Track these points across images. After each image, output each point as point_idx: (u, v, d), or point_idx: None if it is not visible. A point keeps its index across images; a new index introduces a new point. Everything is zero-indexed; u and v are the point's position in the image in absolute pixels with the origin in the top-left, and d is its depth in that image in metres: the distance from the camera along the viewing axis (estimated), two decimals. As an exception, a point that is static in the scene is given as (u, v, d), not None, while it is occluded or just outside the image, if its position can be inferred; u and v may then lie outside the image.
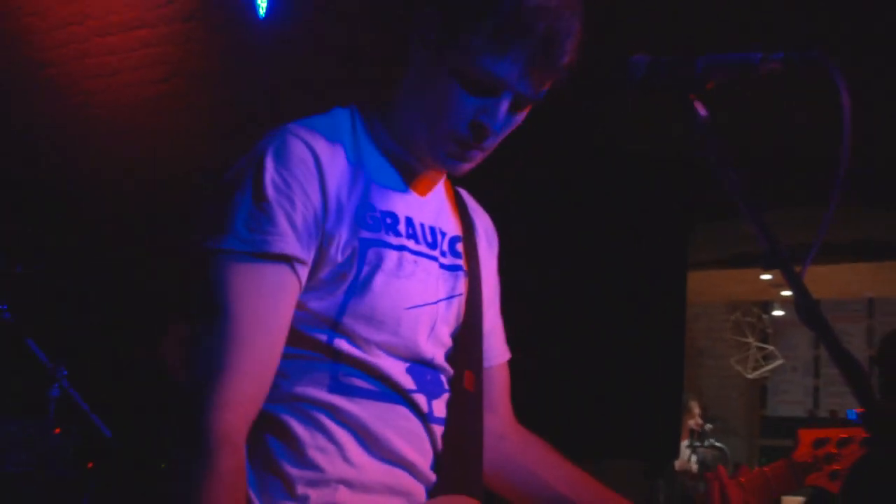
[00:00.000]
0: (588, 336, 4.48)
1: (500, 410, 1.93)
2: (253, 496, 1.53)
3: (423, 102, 1.62)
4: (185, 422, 1.45)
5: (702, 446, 8.67)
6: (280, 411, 1.56)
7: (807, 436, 1.88)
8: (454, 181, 1.87)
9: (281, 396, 1.57)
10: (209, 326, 1.49)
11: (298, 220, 1.52)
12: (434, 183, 1.78)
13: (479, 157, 1.66)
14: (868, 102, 4.23)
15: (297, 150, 1.56)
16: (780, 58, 1.42)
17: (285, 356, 1.55)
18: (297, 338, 1.57)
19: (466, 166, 1.67)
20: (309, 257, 1.54)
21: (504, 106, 1.57)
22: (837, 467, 1.86)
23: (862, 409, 1.80)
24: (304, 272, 1.54)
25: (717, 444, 8.84)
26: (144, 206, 6.16)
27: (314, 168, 1.55)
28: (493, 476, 1.86)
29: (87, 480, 4.21)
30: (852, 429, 1.88)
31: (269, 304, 1.50)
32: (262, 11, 4.72)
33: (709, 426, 9.24)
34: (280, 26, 4.93)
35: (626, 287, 4.59)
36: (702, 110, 1.47)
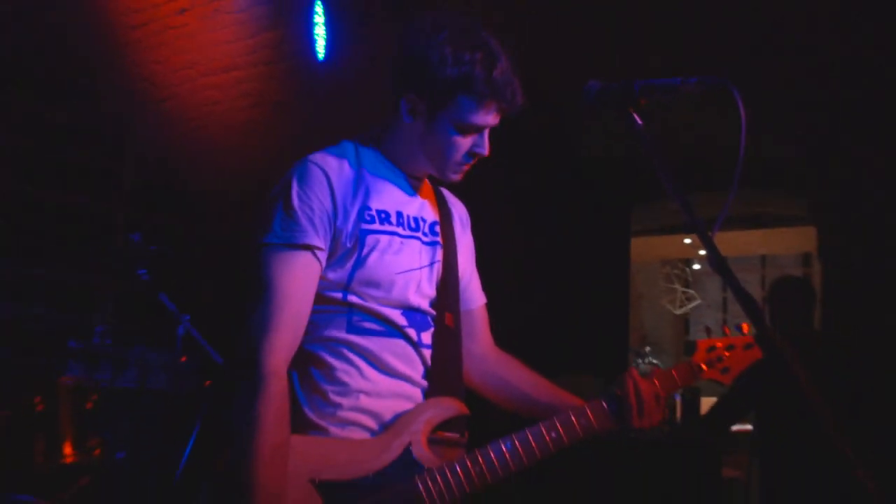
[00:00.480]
0: (558, 285, 4.50)
1: (482, 339, 1.96)
2: (306, 409, 1.64)
3: (428, 148, 1.71)
4: (245, 362, 1.55)
5: (643, 363, 8.68)
6: (317, 349, 1.67)
7: (702, 344, 1.89)
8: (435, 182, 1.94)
9: (316, 339, 1.67)
10: (258, 296, 1.60)
11: (316, 220, 1.63)
12: (417, 186, 1.83)
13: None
14: (757, 115, 4.21)
15: (315, 172, 1.66)
16: (695, 81, 1.42)
17: (316, 311, 1.65)
18: (323, 299, 1.66)
19: (462, 177, 1.77)
20: (325, 245, 1.64)
21: (486, 137, 1.71)
22: (726, 365, 1.87)
23: (743, 326, 1.88)
24: (322, 256, 1.64)
25: (654, 360, 8.85)
26: (239, 203, 6.17)
27: (326, 184, 1.65)
28: (479, 385, 1.92)
29: (205, 394, 4.25)
30: (734, 338, 1.89)
31: (297, 280, 1.61)
32: (320, 56, 4.71)
33: (647, 348, 9.25)
34: (334, 68, 4.92)
35: (586, 250, 4.60)
36: (638, 120, 1.48)
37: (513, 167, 4.63)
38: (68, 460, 3.22)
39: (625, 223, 4.76)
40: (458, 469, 1.62)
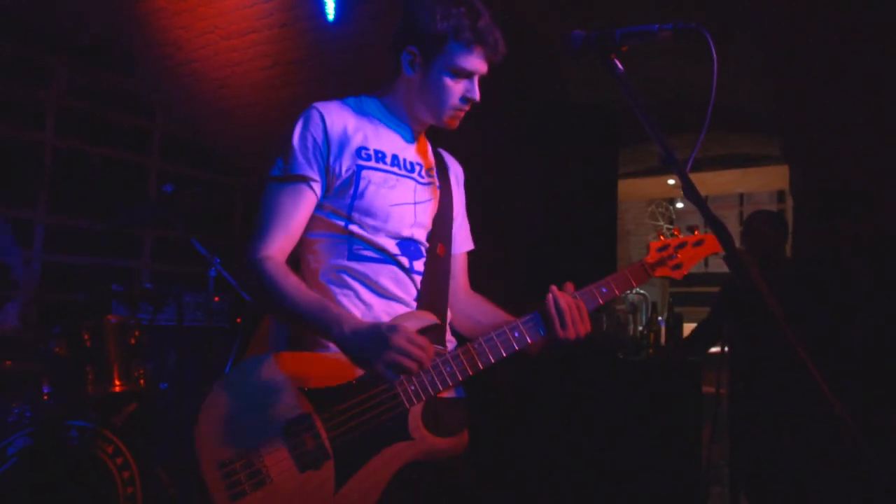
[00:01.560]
0: (552, 222, 4.49)
1: (460, 280, 2.00)
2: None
3: (426, 95, 1.77)
4: (247, 259, 1.69)
5: (631, 293, 8.69)
6: (323, 279, 1.75)
7: (654, 245, 1.88)
8: (434, 143, 1.99)
9: (324, 269, 1.75)
10: (261, 213, 1.73)
11: (310, 155, 1.72)
12: (416, 137, 1.89)
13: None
14: (731, 61, 4.15)
15: (314, 115, 1.75)
16: (670, 28, 1.40)
17: (323, 240, 1.76)
18: (329, 226, 1.75)
19: (459, 122, 1.83)
20: (319, 177, 1.73)
21: (476, 84, 1.78)
22: (678, 262, 1.86)
23: (694, 229, 1.87)
24: (317, 186, 1.73)
25: (641, 290, 8.87)
26: (257, 151, 6.16)
27: (321, 125, 1.74)
28: (456, 323, 1.96)
29: (237, 329, 4.30)
30: (686, 237, 1.88)
31: (289, 201, 1.71)
32: (330, 17, 4.64)
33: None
34: (343, 27, 4.85)
35: (578, 191, 4.58)
36: (619, 66, 1.46)
37: (507, 114, 4.59)
38: (117, 389, 3.29)
39: (612, 165, 4.72)
40: (430, 370, 1.66)
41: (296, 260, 1.79)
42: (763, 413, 3.42)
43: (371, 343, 1.51)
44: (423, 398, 1.65)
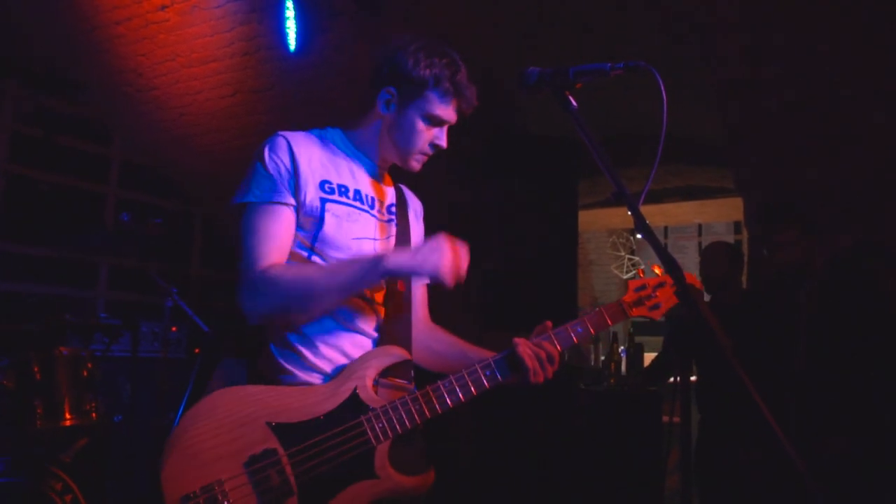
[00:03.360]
0: (513, 253, 4.53)
1: (419, 312, 2.01)
2: (278, 358, 1.74)
3: (397, 135, 1.82)
4: (248, 278, 1.66)
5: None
6: None
7: (632, 284, 1.88)
8: (396, 179, 2.03)
9: None
10: (245, 243, 1.70)
11: (281, 182, 1.72)
12: (379, 174, 1.92)
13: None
14: (683, 96, 4.26)
15: (280, 142, 1.76)
16: (622, 66, 1.44)
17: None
18: (293, 255, 1.74)
19: (421, 166, 1.88)
20: (293, 201, 1.73)
21: (445, 131, 1.85)
22: (656, 302, 1.85)
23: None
24: (293, 211, 1.73)
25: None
26: (217, 179, 6.12)
27: (288, 152, 1.74)
28: (416, 356, 1.94)
29: (195, 360, 4.24)
30: (664, 276, 1.87)
31: (272, 224, 1.70)
32: (292, 47, 4.67)
33: (597, 309, 9.34)
34: (305, 58, 4.88)
35: (538, 222, 4.63)
36: (573, 102, 1.50)
37: (467, 145, 4.64)
38: (67, 423, 3.20)
39: (572, 196, 4.80)
40: (399, 407, 1.66)
41: None
42: (718, 441, 3.46)
43: (432, 252, 1.60)
44: (391, 436, 1.65)
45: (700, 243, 10.31)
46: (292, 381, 1.70)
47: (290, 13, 4.65)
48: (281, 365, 1.72)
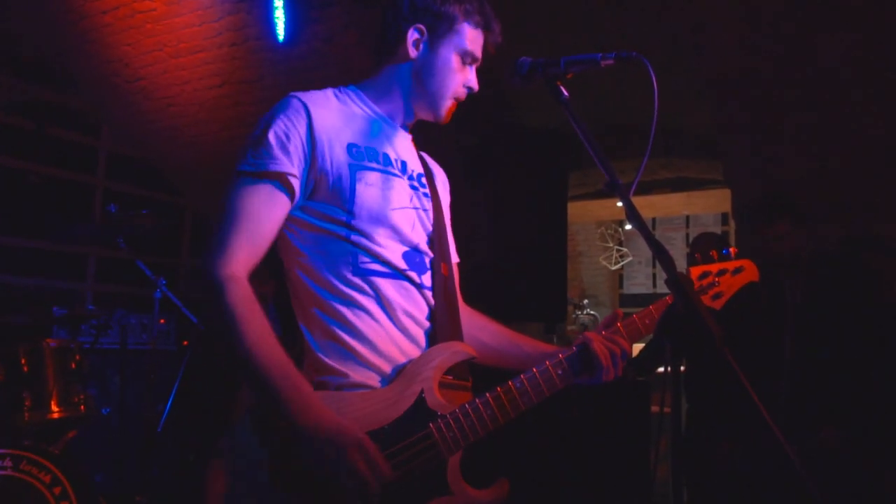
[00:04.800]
0: (502, 244, 4.52)
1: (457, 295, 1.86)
2: (321, 355, 1.52)
3: (428, 79, 1.65)
4: (206, 273, 1.44)
5: (582, 314, 8.81)
6: (325, 295, 1.54)
7: (694, 272, 1.74)
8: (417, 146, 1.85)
9: (324, 283, 1.54)
10: (220, 219, 1.49)
11: (291, 147, 1.51)
12: (403, 135, 1.73)
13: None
14: (674, 87, 4.27)
15: (293, 103, 1.56)
16: (613, 56, 1.44)
17: (314, 252, 1.55)
18: (320, 233, 1.55)
19: (450, 118, 1.71)
20: (299, 171, 1.52)
21: (475, 72, 1.71)
22: (718, 290, 1.73)
23: (734, 250, 1.75)
24: (296, 183, 1.52)
25: (592, 311, 8.99)
26: (205, 170, 6.09)
27: (304, 114, 1.55)
28: None
29: (184, 352, 4.21)
30: (726, 263, 1.74)
31: (259, 203, 1.49)
32: (280, 37, 4.63)
33: (586, 301, 9.39)
34: (294, 48, 4.85)
35: (528, 214, 4.62)
36: (564, 92, 1.49)
37: (457, 136, 4.63)
38: (55, 415, 3.18)
39: (562, 188, 4.79)
40: (470, 413, 1.50)
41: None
42: (708, 432, 3.48)
43: (329, 448, 1.35)
44: (463, 445, 1.49)
45: (688, 235, 10.36)
46: (342, 384, 1.50)
47: (278, 3, 4.62)
48: (325, 363, 1.51)
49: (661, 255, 1.28)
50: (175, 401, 3.90)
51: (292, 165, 1.51)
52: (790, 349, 2.95)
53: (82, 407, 3.30)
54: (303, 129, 1.53)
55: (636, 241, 10.67)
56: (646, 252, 10.78)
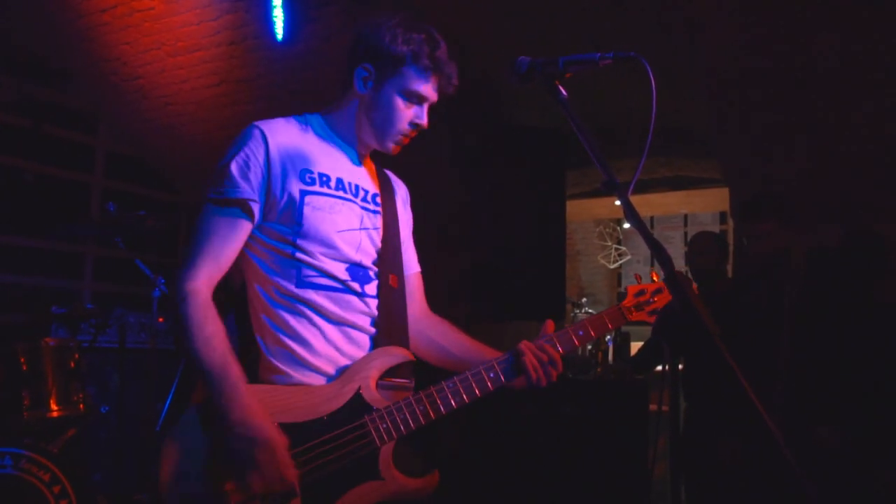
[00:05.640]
0: (501, 243, 4.53)
1: (418, 303, 1.98)
2: (270, 358, 1.67)
3: (374, 115, 1.76)
4: (176, 286, 1.63)
5: (580, 312, 8.78)
6: (275, 306, 1.69)
7: (631, 289, 1.91)
8: (383, 163, 1.97)
9: (273, 295, 1.69)
10: (193, 239, 1.67)
11: (250, 175, 1.67)
12: (361, 160, 1.86)
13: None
14: (673, 86, 4.27)
15: (254, 133, 1.70)
16: (611, 56, 1.44)
17: (268, 266, 1.70)
18: (272, 250, 1.70)
19: (400, 149, 1.81)
20: (258, 197, 1.67)
21: (426, 111, 1.78)
22: (655, 307, 1.88)
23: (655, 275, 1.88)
24: (256, 207, 1.68)
25: (590, 310, 8.97)
26: (203, 169, 6.09)
27: (262, 143, 1.68)
28: (414, 346, 1.90)
29: (182, 351, 4.21)
30: (660, 283, 1.90)
31: (222, 227, 1.66)
32: (279, 36, 4.64)
33: (584, 299, 9.37)
34: (293, 47, 4.85)
35: (526, 213, 4.63)
36: (563, 91, 1.49)
37: (455, 135, 4.63)
38: (55, 414, 3.18)
39: (560, 187, 4.80)
40: (403, 408, 1.65)
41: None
42: (706, 431, 3.49)
43: (243, 442, 1.49)
44: (395, 437, 1.64)
45: (686, 233, 10.35)
46: (287, 383, 1.65)
47: (277, 2, 4.62)
48: (273, 365, 1.66)
49: (659, 253, 1.28)
50: (174, 399, 3.91)
51: (253, 192, 1.67)
52: (788, 348, 2.96)
53: (81, 406, 3.30)
54: (261, 157, 1.68)
55: (634, 239, 10.66)
56: (644, 251, 10.78)
